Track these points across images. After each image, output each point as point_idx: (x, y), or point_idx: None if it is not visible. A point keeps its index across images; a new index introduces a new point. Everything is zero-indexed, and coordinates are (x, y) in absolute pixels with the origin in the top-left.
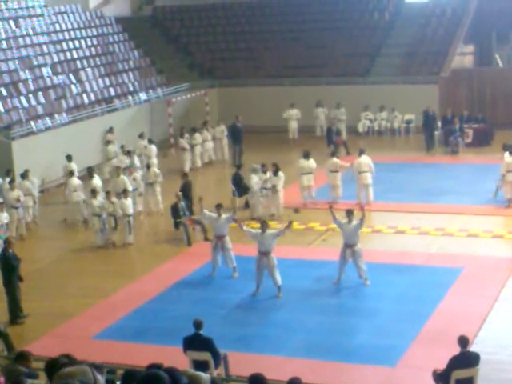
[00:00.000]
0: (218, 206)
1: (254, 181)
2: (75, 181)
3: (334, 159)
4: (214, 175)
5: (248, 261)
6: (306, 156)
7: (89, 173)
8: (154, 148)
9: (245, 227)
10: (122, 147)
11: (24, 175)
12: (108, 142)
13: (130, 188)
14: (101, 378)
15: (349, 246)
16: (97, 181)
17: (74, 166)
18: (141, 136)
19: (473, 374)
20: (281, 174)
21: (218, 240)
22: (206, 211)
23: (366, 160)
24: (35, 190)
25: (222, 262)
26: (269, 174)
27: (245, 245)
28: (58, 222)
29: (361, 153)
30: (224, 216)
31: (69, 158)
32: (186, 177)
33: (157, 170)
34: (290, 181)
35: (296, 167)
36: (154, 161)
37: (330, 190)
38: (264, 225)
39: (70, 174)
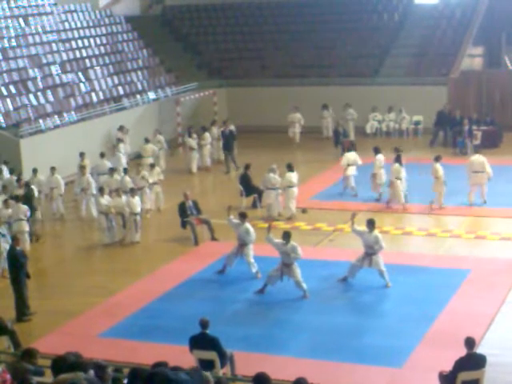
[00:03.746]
0: (242, 215)
1: (277, 180)
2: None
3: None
4: (222, 175)
5: (261, 261)
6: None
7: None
8: (150, 148)
9: (269, 235)
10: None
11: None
12: (119, 140)
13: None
14: (92, 379)
15: (369, 254)
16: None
17: (87, 162)
18: (158, 132)
19: (479, 375)
20: (287, 174)
21: (239, 247)
22: (231, 217)
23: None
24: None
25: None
26: (276, 175)
27: (259, 244)
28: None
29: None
30: (247, 225)
31: (81, 155)
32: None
33: (159, 169)
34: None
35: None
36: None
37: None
38: (287, 236)
39: (82, 168)
